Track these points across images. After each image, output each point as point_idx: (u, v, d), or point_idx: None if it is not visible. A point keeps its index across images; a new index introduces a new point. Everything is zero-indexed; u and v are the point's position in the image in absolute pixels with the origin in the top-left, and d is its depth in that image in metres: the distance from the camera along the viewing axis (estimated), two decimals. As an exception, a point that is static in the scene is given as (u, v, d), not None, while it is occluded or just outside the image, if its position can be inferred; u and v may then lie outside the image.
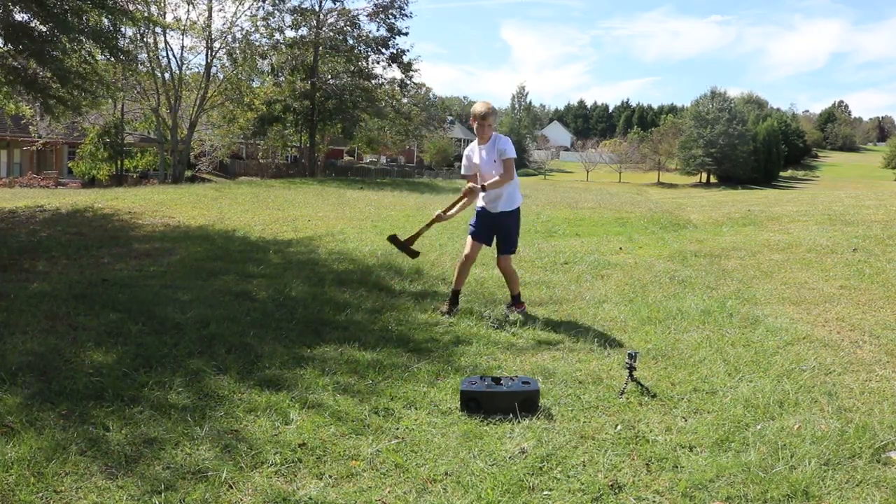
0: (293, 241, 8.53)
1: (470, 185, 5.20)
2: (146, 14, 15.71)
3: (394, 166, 57.73)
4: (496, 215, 5.26)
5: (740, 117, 68.22)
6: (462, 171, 5.44)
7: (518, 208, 5.30)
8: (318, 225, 10.00)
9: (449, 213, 5.36)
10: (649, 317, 5.16)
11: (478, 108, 5.12)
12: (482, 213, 5.32)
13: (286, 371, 3.84)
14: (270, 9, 25.79)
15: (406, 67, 29.23)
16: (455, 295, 5.32)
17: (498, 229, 5.31)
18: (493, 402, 3.35)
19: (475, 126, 5.15)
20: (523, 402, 3.35)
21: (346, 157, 57.42)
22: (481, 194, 5.22)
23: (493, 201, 5.22)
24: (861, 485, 2.70)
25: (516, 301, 5.39)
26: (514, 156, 5.15)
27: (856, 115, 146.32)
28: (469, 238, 5.33)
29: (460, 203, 5.33)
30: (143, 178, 32.39)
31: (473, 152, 5.26)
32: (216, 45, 24.90)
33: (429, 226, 5.49)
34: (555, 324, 5.03)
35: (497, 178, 5.08)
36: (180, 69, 25.47)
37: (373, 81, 28.68)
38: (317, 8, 27.85)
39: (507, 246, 5.32)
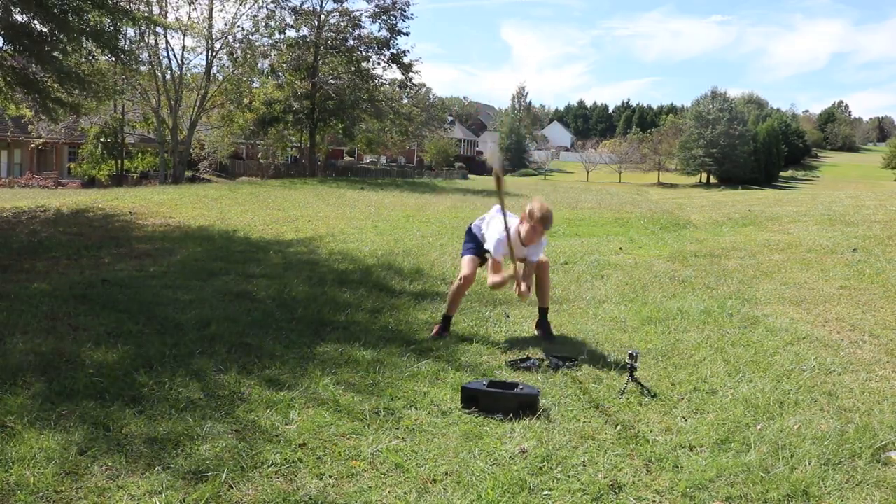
0: (294, 241, 8.53)
1: (516, 280, 4.41)
2: (147, 14, 15.73)
3: (394, 166, 57.71)
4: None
5: (741, 117, 68.18)
6: (494, 253, 4.43)
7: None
8: (318, 225, 10.00)
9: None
10: (649, 317, 5.15)
11: (546, 213, 4.30)
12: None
13: (286, 371, 3.84)
14: (272, 8, 25.86)
15: (406, 68, 29.23)
16: (447, 321, 4.67)
17: None
18: (493, 402, 3.35)
19: (528, 227, 4.31)
20: (522, 405, 3.35)
21: (347, 158, 57.42)
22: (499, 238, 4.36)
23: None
24: (861, 485, 2.70)
25: (543, 320, 4.72)
26: None
27: (856, 115, 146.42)
28: (466, 259, 4.70)
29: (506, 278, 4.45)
30: (143, 178, 32.44)
31: (513, 243, 4.29)
32: (217, 45, 24.94)
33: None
34: (555, 324, 5.03)
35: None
36: (181, 69, 25.51)
37: (371, 84, 28.64)
38: (318, 8, 27.89)
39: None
